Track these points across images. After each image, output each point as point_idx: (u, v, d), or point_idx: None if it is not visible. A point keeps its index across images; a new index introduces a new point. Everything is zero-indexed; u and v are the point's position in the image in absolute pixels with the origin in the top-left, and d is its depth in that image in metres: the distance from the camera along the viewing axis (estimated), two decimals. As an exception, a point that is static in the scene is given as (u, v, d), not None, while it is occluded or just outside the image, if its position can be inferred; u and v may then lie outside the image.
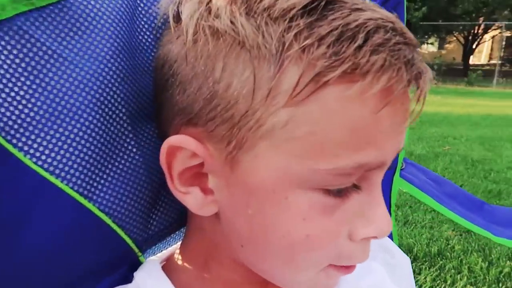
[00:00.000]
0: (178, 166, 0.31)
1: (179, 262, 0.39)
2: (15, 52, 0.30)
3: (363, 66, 0.25)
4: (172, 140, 0.30)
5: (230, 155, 0.29)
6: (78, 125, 0.32)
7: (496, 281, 1.60)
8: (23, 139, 0.30)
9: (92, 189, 0.33)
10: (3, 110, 0.30)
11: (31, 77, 0.31)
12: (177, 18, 0.31)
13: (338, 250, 0.30)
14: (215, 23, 0.28)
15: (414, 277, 1.36)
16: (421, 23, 14.98)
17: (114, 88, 0.34)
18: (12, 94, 0.30)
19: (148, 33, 0.38)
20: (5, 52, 0.30)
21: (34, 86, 0.31)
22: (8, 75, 0.30)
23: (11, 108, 0.30)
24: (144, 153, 0.37)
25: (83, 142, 0.32)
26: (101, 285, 0.37)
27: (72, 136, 0.32)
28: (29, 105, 0.30)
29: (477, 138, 4.37)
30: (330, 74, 0.25)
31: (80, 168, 0.32)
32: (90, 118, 0.33)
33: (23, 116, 0.30)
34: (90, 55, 0.33)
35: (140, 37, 0.37)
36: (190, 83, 0.29)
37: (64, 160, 0.32)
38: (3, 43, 0.30)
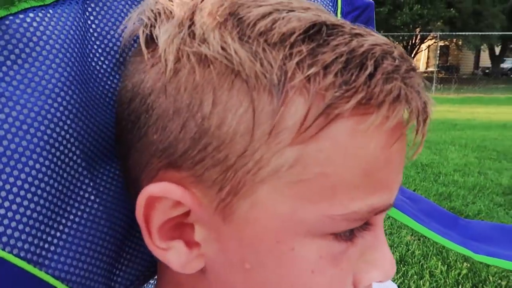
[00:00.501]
0: (158, 219, 0.26)
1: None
2: None
3: (377, 95, 0.22)
4: (152, 189, 0.25)
5: (222, 202, 0.24)
6: (23, 176, 0.26)
7: (456, 284, 1.65)
8: None
9: (43, 253, 0.27)
10: None
11: None
12: (151, 43, 0.26)
13: None
14: (202, 49, 0.23)
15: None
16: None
17: (65, 127, 0.27)
18: None
19: (102, 58, 0.31)
20: None
21: None
22: None
23: None
24: (105, 200, 0.31)
25: (29, 196, 0.26)
26: None
27: (14, 189, 0.26)
28: None
29: (423, 143, 4.59)
30: (343, 106, 0.22)
31: (27, 229, 0.26)
32: (38, 166, 0.26)
33: None
34: (34, 89, 0.26)
35: (94, 64, 0.31)
36: (172, 120, 0.24)
37: (6, 222, 0.25)
38: None
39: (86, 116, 0.29)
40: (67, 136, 0.28)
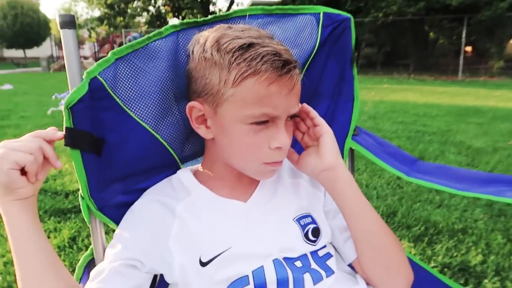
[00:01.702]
0: (194, 115, 0.66)
1: (199, 169, 0.76)
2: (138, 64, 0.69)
3: (260, 68, 0.58)
4: (191, 103, 0.65)
5: (214, 109, 0.63)
6: (156, 102, 0.71)
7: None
8: (135, 108, 0.69)
9: (159, 128, 0.71)
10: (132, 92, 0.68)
11: (140, 77, 0.69)
12: (192, 52, 0.68)
13: (265, 153, 0.65)
14: (205, 55, 0.62)
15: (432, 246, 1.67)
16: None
17: (170, 86, 0.72)
18: (131, 84, 0.69)
19: (184, 54, 0.75)
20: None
21: (140, 81, 0.69)
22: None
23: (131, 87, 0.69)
24: (181, 114, 0.74)
25: (157, 108, 0.71)
26: (162, 175, 0.75)
27: (152, 107, 0.70)
28: (137, 90, 0.69)
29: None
30: (247, 72, 0.59)
31: (154, 119, 0.71)
32: (159, 99, 0.71)
33: (134, 94, 0.69)
34: (165, 71, 0.71)
35: (181, 60, 0.74)
36: (196, 81, 0.65)
37: (148, 115, 0.70)
38: None
39: (178, 81, 0.73)
40: (171, 87, 0.72)
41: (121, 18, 21.72)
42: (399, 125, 4.69)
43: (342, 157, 0.97)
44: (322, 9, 0.89)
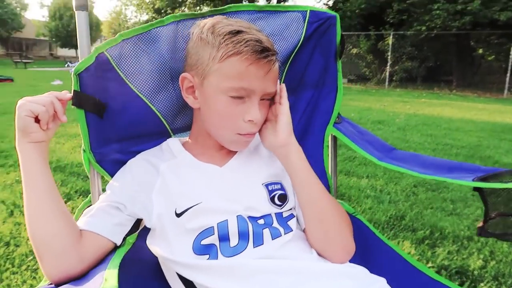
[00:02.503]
0: (185, 85, 0.78)
1: (187, 139, 0.89)
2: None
3: (242, 50, 0.70)
4: (183, 74, 0.77)
5: (201, 81, 0.75)
6: (153, 78, 0.84)
7: None
8: (135, 82, 0.83)
9: (154, 101, 0.85)
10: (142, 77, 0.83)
11: (142, 57, 0.83)
12: (192, 33, 0.79)
13: (239, 125, 0.76)
14: (202, 35, 0.74)
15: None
16: None
17: (167, 66, 0.85)
18: (133, 61, 0.82)
19: (182, 40, 0.88)
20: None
21: (141, 60, 0.82)
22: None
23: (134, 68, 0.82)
24: (176, 91, 0.87)
25: (154, 84, 0.84)
26: (155, 142, 0.88)
27: (150, 83, 0.84)
28: (138, 67, 0.83)
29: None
30: (232, 52, 0.71)
31: (151, 93, 0.84)
32: (157, 76, 0.84)
33: (135, 70, 0.83)
34: (164, 53, 0.85)
35: (179, 45, 0.87)
36: (191, 56, 0.77)
37: (146, 89, 0.84)
38: None
39: (176, 58, 0.86)
40: (167, 65, 0.85)
41: (167, 23, 22.55)
42: (428, 138, 4.63)
43: (323, 142, 1.08)
44: (309, 8, 1.00)
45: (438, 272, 1.67)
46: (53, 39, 32.91)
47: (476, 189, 0.86)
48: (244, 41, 0.72)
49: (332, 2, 17.83)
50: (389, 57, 14.32)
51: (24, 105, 0.69)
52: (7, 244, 1.73)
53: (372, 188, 2.72)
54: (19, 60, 19.11)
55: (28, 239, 1.76)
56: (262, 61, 0.73)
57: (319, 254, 0.78)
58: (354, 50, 16.00)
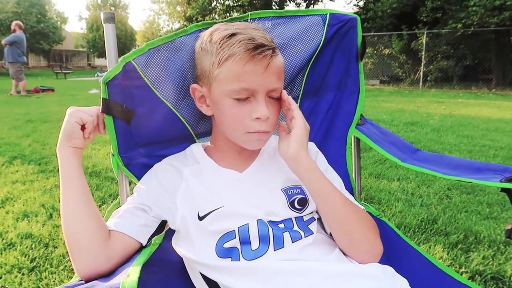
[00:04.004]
0: (196, 95, 0.82)
1: (209, 144, 0.92)
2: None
3: (235, 51, 0.73)
4: (193, 86, 0.81)
5: (208, 89, 0.79)
6: (177, 85, 0.88)
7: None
8: (161, 89, 0.87)
9: (179, 107, 0.88)
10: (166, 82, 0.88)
11: (167, 65, 0.87)
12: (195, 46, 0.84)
13: (247, 124, 0.78)
14: (202, 46, 0.78)
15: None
16: None
17: (190, 74, 0.88)
18: (159, 69, 0.87)
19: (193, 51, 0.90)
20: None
21: (167, 68, 0.87)
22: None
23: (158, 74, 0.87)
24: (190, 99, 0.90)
25: (178, 91, 0.88)
26: (180, 146, 0.92)
27: (174, 90, 0.88)
28: (163, 74, 0.87)
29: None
30: (227, 55, 0.73)
31: (176, 100, 0.88)
32: (181, 84, 0.88)
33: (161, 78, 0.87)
34: (187, 61, 0.88)
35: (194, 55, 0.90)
36: (197, 67, 0.81)
37: (171, 96, 0.88)
38: None
39: (190, 67, 0.90)
40: (185, 72, 0.89)
41: (199, 30, 23.10)
42: (464, 139, 4.46)
43: (345, 143, 1.08)
44: (329, 11, 1.01)
45: (471, 278, 1.61)
46: (91, 50, 34.36)
47: (503, 190, 0.84)
48: (237, 42, 0.74)
49: (363, 2, 17.58)
50: (423, 56, 13.93)
51: (75, 113, 0.77)
52: (46, 245, 1.83)
53: (403, 191, 2.66)
54: (60, 71, 20.06)
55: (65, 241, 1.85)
56: (257, 58, 0.74)
57: (345, 254, 0.79)
58: (386, 51, 15.67)
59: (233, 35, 0.75)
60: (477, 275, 1.62)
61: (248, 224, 0.77)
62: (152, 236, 0.82)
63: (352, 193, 1.08)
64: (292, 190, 0.84)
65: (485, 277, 1.61)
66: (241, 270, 0.73)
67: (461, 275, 1.59)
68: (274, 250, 0.75)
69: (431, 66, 14.13)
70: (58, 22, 33.59)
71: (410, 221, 2.13)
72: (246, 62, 0.74)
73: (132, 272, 0.63)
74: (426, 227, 2.08)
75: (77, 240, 0.74)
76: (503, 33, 13.21)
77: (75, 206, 0.76)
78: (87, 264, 0.73)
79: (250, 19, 0.95)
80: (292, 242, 0.76)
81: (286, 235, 0.77)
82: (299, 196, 0.83)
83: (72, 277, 1.54)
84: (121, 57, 0.84)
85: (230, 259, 0.75)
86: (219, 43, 0.75)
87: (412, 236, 1.98)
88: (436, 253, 1.80)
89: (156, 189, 0.84)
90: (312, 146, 0.95)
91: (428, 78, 14.02)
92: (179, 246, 0.82)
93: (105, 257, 0.74)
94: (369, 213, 1.05)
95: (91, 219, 0.76)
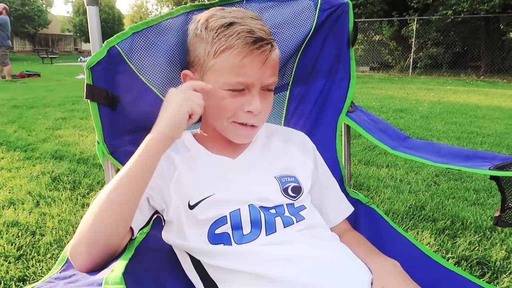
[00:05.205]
0: (185, 81, 0.80)
1: (198, 131, 0.89)
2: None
3: (234, 43, 0.70)
4: (184, 71, 0.78)
5: (201, 77, 0.76)
6: (164, 70, 0.85)
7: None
8: (146, 75, 0.84)
9: (165, 91, 0.85)
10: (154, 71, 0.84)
11: (153, 49, 0.84)
12: (188, 29, 0.80)
13: (238, 114, 0.76)
14: (197, 31, 0.75)
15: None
16: None
17: (178, 58, 0.85)
18: (144, 54, 0.83)
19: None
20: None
21: (152, 52, 0.83)
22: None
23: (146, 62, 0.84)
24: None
25: (165, 76, 0.85)
26: None
27: (161, 75, 0.85)
28: (149, 59, 0.84)
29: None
30: (224, 46, 0.71)
31: (162, 85, 0.85)
32: (167, 68, 0.85)
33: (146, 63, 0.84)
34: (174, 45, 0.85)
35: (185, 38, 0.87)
36: (190, 53, 0.78)
37: (157, 81, 0.85)
38: None
39: (183, 52, 0.87)
40: (176, 55, 0.86)
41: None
42: (452, 126, 4.51)
43: (335, 131, 1.07)
44: (320, -5, 0.98)
45: (458, 263, 1.64)
46: (77, 34, 33.62)
47: (492, 177, 0.84)
48: (235, 33, 0.72)
49: (354, -12, 17.42)
50: (413, 43, 13.93)
51: (188, 101, 0.70)
52: (33, 233, 1.80)
53: (392, 178, 2.68)
54: (46, 56, 19.60)
55: (52, 229, 1.83)
56: (256, 53, 0.72)
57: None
58: (377, 37, 15.63)
59: (230, 24, 0.73)
60: (463, 261, 1.65)
61: (239, 209, 0.76)
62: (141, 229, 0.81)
63: (342, 180, 1.07)
64: (286, 178, 0.83)
65: (471, 262, 1.64)
66: (235, 254, 0.72)
67: (448, 260, 1.61)
68: (266, 235, 0.74)
69: (421, 53, 14.16)
70: (44, 5, 32.77)
71: (398, 208, 2.15)
72: (244, 56, 0.72)
73: (117, 267, 0.61)
74: (414, 213, 2.11)
75: (107, 229, 0.66)
76: (493, 20, 13.26)
77: (131, 196, 0.68)
78: (97, 254, 0.66)
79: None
80: (284, 227, 0.76)
81: (278, 220, 0.76)
82: (293, 184, 0.83)
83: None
84: (105, 42, 0.81)
85: (222, 244, 0.74)
86: (216, 32, 0.73)
87: (400, 222, 2.00)
88: (423, 239, 1.83)
89: (155, 178, 0.81)
90: (308, 143, 0.94)
91: (418, 65, 14.06)
92: (171, 234, 0.80)
93: (112, 254, 0.69)
94: (359, 200, 1.05)
95: (132, 215, 0.70)
